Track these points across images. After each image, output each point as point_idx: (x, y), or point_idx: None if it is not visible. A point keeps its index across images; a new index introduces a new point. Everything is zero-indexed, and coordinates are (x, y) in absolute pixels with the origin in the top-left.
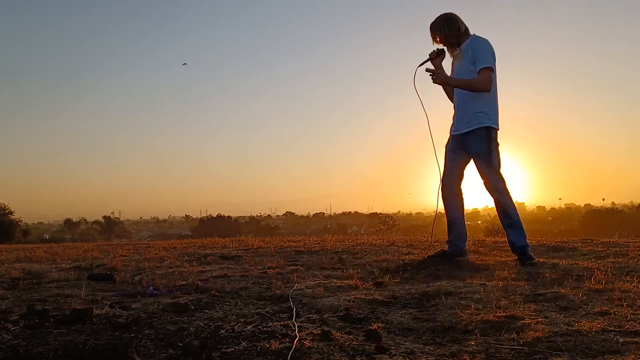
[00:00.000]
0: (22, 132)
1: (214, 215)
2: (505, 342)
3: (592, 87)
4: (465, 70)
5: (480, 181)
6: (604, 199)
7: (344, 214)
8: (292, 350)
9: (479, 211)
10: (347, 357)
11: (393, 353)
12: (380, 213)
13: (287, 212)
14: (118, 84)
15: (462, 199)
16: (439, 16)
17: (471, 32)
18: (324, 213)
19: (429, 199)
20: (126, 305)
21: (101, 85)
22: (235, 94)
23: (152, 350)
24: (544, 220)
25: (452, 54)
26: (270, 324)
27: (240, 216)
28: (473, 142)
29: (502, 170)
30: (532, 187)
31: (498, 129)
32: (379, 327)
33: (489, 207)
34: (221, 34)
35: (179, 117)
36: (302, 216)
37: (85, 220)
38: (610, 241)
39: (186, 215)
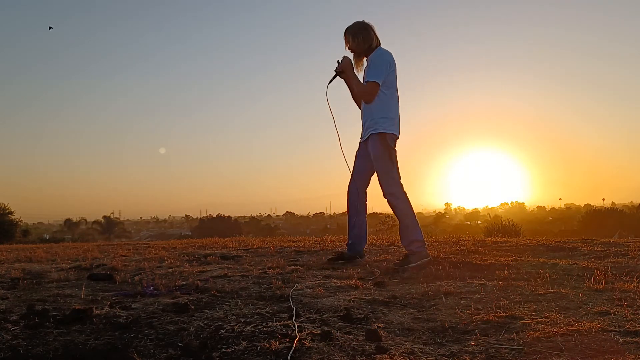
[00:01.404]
0: (22, 132)
1: (214, 215)
2: (505, 342)
3: (592, 87)
4: (365, 81)
5: (473, 184)
6: (604, 199)
7: (344, 214)
8: (292, 350)
9: (479, 211)
10: (347, 357)
11: (393, 353)
12: (380, 213)
13: (287, 212)
14: (118, 84)
15: (365, 203)
16: (357, 22)
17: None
18: (324, 213)
19: (429, 199)
20: (126, 305)
21: (101, 85)
22: (236, 95)
23: (152, 350)
24: (544, 220)
25: (357, 63)
26: (270, 324)
27: (240, 216)
28: (371, 148)
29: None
30: (533, 187)
31: (397, 136)
32: (379, 327)
33: (489, 207)
34: (224, 35)
35: (180, 117)
36: (302, 216)
37: (85, 220)
38: (610, 241)
39: (186, 215)
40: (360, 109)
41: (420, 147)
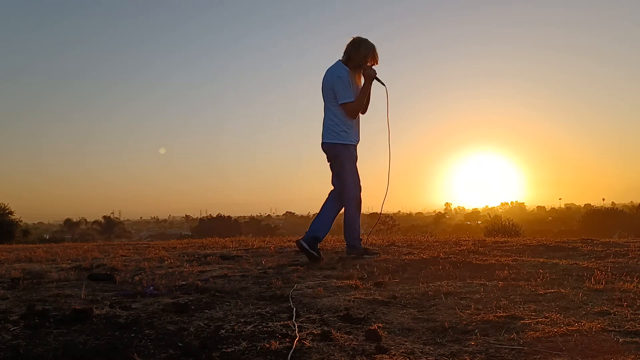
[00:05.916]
0: (23, 132)
1: (214, 215)
2: (505, 342)
3: (592, 88)
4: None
5: (473, 184)
6: (604, 199)
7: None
8: (292, 350)
9: (479, 211)
10: (347, 357)
11: (393, 353)
12: (381, 213)
13: (287, 212)
14: (119, 85)
15: None
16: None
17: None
18: None
19: (429, 198)
20: (126, 305)
21: (101, 86)
22: (237, 95)
23: (152, 350)
24: (544, 220)
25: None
26: (270, 324)
27: (240, 216)
28: None
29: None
30: (533, 187)
31: None
32: (379, 327)
33: (489, 207)
34: (225, 36)
35: (180, 117)
36: (302, 216)
37: (85, 220)
38: (610, 241)
39: (186, 215)
40: (354, 117)
41: (420, 148)
